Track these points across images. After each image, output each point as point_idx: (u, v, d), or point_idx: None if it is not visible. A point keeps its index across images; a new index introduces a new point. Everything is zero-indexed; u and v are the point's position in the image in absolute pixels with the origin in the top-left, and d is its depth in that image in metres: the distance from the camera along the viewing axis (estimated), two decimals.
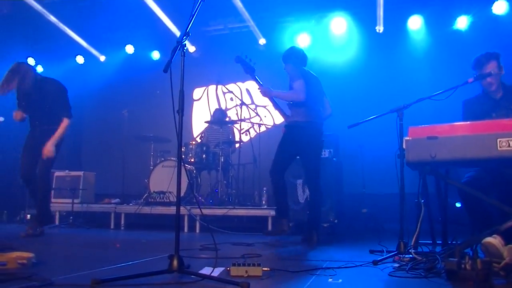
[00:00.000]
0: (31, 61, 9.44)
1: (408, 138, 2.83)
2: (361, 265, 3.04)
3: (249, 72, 4.93)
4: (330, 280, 2.55)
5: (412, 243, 3.17)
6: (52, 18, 8.32)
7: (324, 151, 5.85)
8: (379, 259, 3.16)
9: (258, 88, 4.92)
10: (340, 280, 2.55)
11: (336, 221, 5.69)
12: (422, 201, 3.15)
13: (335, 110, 4.90)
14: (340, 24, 7.76)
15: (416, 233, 3.13)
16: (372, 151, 6.93)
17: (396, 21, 7.64)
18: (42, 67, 9.67)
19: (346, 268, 2.93)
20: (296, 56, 4.83)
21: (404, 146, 2.85)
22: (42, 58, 9.58)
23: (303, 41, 7.96)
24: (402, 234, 3.45)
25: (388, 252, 3.51)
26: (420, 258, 2.95)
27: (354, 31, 7.84)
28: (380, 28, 7.51)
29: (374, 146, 6.84)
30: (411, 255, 3.09)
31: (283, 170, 4.71)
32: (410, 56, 7.54)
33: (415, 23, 7.55)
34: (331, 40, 7.99)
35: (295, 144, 4.64)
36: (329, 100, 4.92)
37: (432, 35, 7.55)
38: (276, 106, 4.99)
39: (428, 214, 3.62)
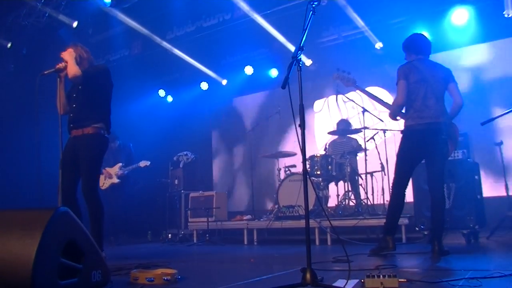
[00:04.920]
0: (161, 92, 10.29)
1: None
2: (511, 274, 2.73)
3: (352, 83, 4.75)
4: None
5: None
6: (177, 52, 8.97)
7: (457, 152, 5.46)
8: None
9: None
10: None
11: (476, 227, 5.24)
12: None
13: (463, 108, 4.47)
14: (461, 15, 7.22)
15: None
16: None
17: None
18: (172, 96, 10.46)
19: (493, 278, 2.66)
20: (408, 44, 4.50)
21: None
22: (171, 89, 10.38)
23: None
24: None
25: None
26: None
27: (477, 20, 7.23)
28: (509, 12, 6.85)
29: None
30: None
31: (406, 182, 4.37)
32: None
33: None
34: (452, 34, 7.48)
35: (413, 150, 4.29)
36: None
37: None
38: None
39: None
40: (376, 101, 4.78)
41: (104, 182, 8.02)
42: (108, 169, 8.02)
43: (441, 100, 4.33)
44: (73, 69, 4.18)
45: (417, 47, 4.45)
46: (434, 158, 4.28)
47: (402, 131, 4.44)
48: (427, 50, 4.47)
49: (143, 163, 7.84)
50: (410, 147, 4.32)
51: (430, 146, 4.24)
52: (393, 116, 4.49)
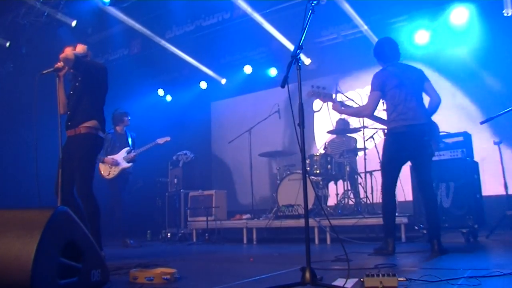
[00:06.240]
0: (161, 92, 10.29)
1: None
2: (510, 273, 2.73)
3: (328, 98, 4.63)
4: None
5: None
6: (176, 51, 8.97)
7: (456, 151, 5.46)
8: None
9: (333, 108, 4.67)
10: None
11: (476, 226, 5.24)
12: None
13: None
14: (461, 14, 7.22)
15: None
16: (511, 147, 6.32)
17: None
18: (171, 96, 10.46)
19: (492, 277, 2.65)
20: (376, 52, 4.56)
21: None
22: (170, 88, 10.38)
23: (421, 38, 7.56)
24: None
25: None
26: None
27: (477, 19, 7.23)
28: (508, 11, 6.84)
29: None
30: None
31: (395, 184, 4.39)
32: None
33: None
34: (452, 33, 7.48)
35: (399, 151, 4.33)
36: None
37: None
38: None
39: None
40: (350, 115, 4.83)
41: (110, 171, 7.21)
42: (113, 156, 7.24)
43: (421, 101, 4.41)
44: (67, 52, 4.17)
45: (385, 56, 4.52)
46: (420, 160, 4.35)
47: (385, 134, 4.49)
48: (397, 54, 4.53)
49: (161, 140, 7.43)
50: (395, 150, 4.37)
51: (414, 148, 4.29)
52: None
